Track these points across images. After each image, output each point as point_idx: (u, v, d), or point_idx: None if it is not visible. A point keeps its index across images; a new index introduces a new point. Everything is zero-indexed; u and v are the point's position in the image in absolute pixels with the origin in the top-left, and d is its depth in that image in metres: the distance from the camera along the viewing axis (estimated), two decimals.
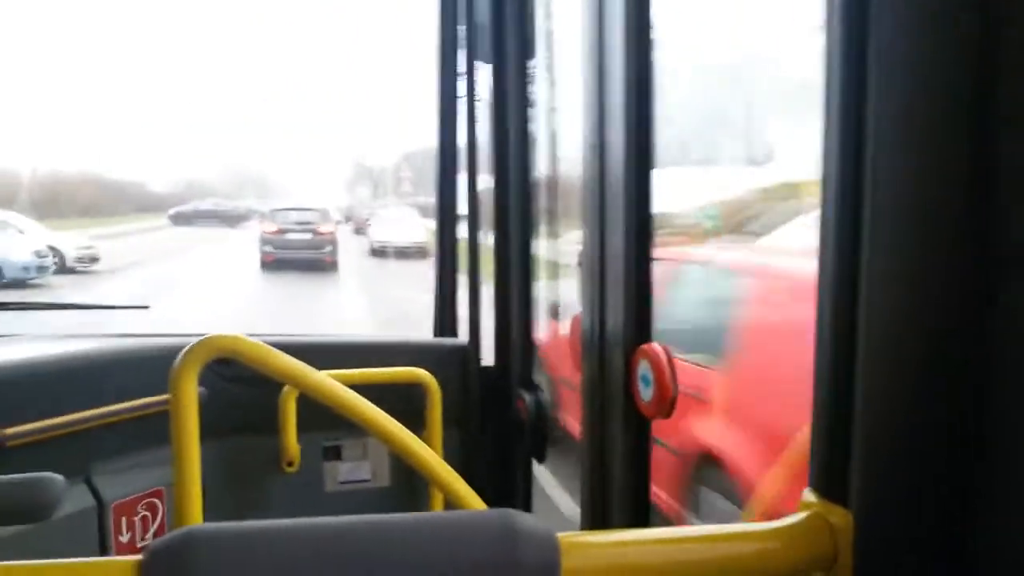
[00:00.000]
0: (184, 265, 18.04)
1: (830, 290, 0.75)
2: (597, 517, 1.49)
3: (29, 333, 2.15)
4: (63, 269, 15.49)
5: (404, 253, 19.11)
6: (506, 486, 2.11)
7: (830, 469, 0.74)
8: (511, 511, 0.59)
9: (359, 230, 29.12)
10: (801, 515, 0.73)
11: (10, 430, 1.60)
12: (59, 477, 1.06)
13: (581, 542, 0.64)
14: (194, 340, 1.26)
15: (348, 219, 33.67)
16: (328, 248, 18.18)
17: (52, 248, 15.90)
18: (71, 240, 16.86)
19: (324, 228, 18.46)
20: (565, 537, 0.60)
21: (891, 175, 0.70)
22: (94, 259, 16.61)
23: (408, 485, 2.17)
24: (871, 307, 0.71)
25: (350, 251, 20.03)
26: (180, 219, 31.45)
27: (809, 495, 0.75)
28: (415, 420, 1.31)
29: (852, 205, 0.72)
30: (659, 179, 1.40)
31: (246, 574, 0.54)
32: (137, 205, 35.15)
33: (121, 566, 0.55)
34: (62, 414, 1.70)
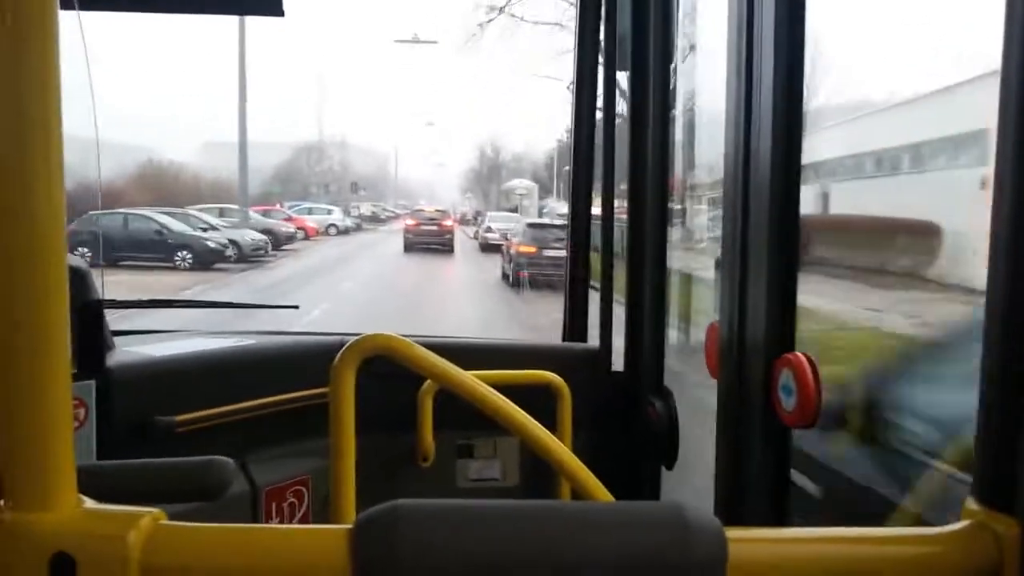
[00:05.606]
0: None
1: (1000, 292, 0.73)
2: (730, 521, 1.47)
3: (198, 330, 2.34)
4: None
5: None
6: (633, 492, 2.09)
7: (996, 478, 0.73)
8: (682, 504, 0.62)
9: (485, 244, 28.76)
10: (964, 523, 0.71)
11: (180, 417, 1.76)
12: (230, 461, 1.14)
13: (747, 537, 0.66)
14: (349, 339, 1.34)
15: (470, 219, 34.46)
16: (447, 236, 26.75)
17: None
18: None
19: (446, 223, 27.26)
20: (732, 531, 0.61)
21: None
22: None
23: (537, 486, 2.19)
24: None
25: None
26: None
27: (972, 503, 0.74)
28: (543, 423, 1.34)
29: None
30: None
31: (447, 546, 0.58)
32: None
33: (334, 533, 0.60)
34: (225, 404, 1.85)
